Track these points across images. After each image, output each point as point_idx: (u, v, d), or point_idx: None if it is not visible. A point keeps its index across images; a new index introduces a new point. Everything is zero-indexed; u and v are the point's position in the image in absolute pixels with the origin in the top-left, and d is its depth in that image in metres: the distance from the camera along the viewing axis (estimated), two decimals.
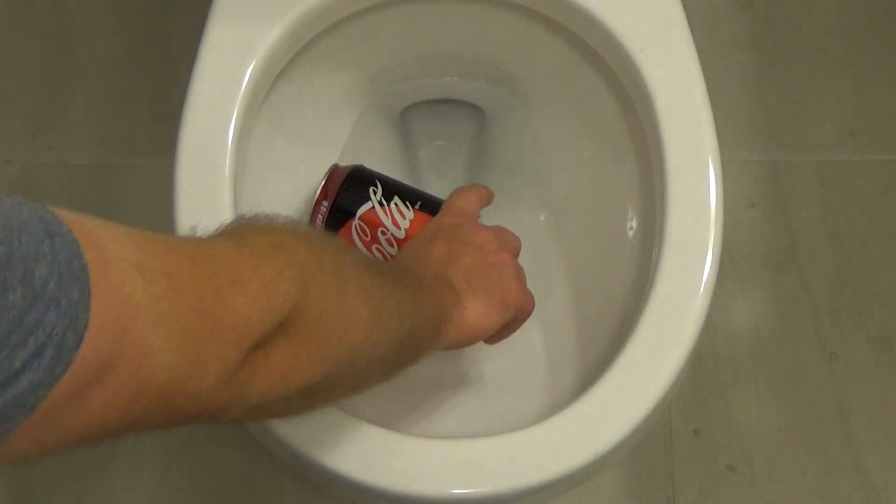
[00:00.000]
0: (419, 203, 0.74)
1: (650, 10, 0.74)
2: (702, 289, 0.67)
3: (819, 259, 1.14)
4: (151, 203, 1.15)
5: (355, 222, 0.74)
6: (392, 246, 0.73)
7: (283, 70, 0.77)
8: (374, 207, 0.73)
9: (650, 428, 0.66)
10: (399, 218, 0.73)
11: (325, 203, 0.75)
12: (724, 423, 1.08)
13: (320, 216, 0.75)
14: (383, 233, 0.73)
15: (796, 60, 1.22)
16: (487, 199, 0.72)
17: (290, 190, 0.84)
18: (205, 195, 0.69)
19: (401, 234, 0.73)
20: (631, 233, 0.79)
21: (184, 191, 0.69)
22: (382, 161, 0.91)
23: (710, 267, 0.67)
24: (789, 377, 1.10)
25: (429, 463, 0.61)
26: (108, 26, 1.24)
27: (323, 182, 0.76)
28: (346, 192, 0.75)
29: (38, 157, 1.18)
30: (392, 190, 0.75)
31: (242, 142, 0.72)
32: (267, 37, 0.73)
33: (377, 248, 0.73)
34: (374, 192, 0.74)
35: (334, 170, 0.77)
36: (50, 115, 1.21)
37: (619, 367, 0.64)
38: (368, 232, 0.73)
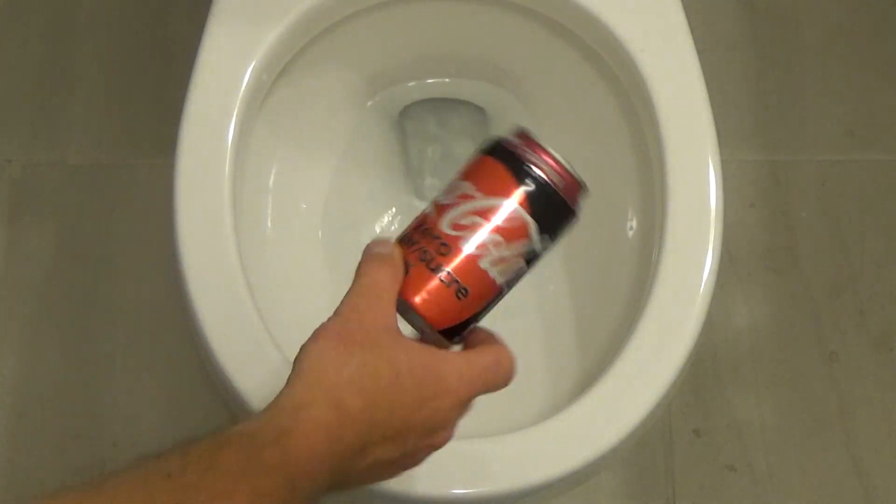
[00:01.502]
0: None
1: (650, 9, 0.74)
2: (702, 289, 0.67)
3: (819, 259, 1.14)
4: (151, 203, 1.15)
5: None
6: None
7: (283, 70, 0.77)
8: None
9: (650, 428, 0.66)
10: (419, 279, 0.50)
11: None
12: (724, 423, 1.08)
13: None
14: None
15: (796, 60, 1.22)
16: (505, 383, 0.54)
17: (291, 190, 0.84)
18: (205, 195, 0.69)
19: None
20: (631, 233, 0.79)
21: (184, 191, 0.69)
22: (382, 161, 0.91)
23: (710, 267, 0.67)
24: (789, 377, 1.10)
25: (429, 463, 0.61)
26: (108, 26, 1.24)
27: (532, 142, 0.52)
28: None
29: (38, 157, 1.18)
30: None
31: (242, 142, 0.72)
32: (267, 37, 0.73)
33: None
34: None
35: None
36: (50, 115, 1.21)
37: (619, 367, 0.64)
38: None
